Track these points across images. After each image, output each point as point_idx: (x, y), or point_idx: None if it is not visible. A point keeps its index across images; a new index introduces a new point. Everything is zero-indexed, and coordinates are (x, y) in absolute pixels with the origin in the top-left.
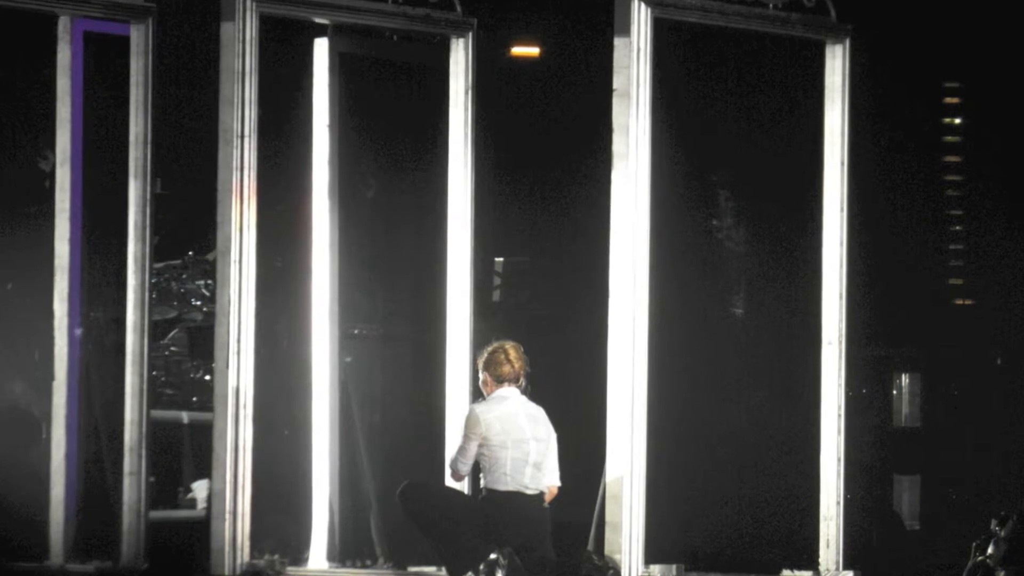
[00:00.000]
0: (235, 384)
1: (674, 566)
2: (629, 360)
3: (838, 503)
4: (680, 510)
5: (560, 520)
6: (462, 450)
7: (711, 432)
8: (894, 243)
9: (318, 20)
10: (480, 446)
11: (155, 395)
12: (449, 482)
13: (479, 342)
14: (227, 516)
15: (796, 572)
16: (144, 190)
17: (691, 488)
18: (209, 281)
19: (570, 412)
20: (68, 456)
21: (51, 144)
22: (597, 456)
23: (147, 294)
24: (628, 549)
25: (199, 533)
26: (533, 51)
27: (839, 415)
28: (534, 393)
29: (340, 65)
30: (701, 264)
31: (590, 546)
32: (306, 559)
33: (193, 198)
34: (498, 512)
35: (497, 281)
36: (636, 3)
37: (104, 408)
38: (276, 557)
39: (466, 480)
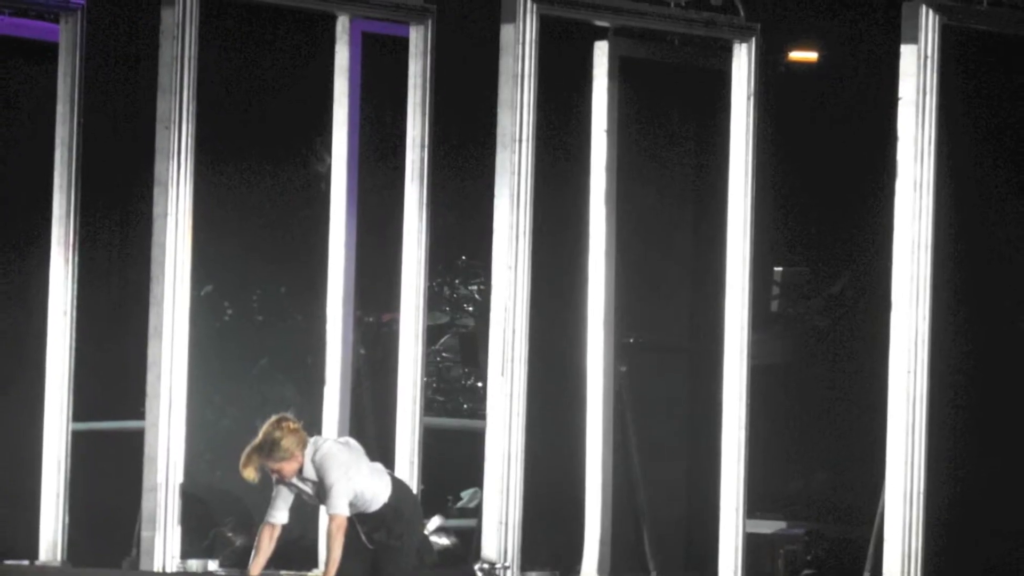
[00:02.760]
0: (508, 391)
1: None
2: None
3: None
4: None
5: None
6: None
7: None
8: None
9: (598, 23)
10: None
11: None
12: None
13: (755, 353)
14: (498, 526)
15: None
16: (420, 194)
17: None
18: (481, 286)
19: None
20: None
21: (327, 146)
22: (877, 471)
23: (423, 299)
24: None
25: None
26: (811, 56)
27: None
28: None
29: (620, 69)
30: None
31: (868, 565)
32: (578, 571)
33: (466, 202)
34: None
35: (775, 291)
36: (924, 9)
37: (375, 414)
38: (547, 572)
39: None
